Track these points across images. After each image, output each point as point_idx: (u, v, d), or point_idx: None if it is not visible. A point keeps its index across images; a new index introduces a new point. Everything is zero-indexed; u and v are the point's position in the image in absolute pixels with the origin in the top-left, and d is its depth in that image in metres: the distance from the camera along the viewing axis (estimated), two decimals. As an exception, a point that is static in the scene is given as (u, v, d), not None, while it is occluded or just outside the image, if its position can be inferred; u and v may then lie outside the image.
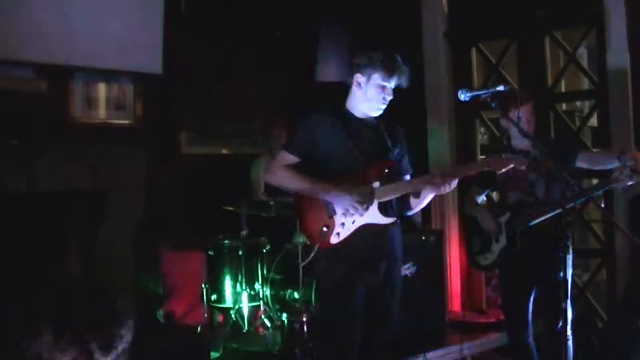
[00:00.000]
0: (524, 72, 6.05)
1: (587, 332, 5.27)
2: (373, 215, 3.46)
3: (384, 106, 3.59)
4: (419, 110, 6.34)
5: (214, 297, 5.15)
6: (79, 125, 5.19)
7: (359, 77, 3.55)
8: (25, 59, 4.70)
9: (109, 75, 5.33)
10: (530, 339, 4.46)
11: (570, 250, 4.13)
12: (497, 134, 6.18)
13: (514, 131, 4.32)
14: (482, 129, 6.55)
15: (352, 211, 3.41)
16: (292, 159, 3.51)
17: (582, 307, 5.66)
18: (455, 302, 6.20)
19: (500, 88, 3.50)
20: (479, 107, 6.05)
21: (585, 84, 6.24)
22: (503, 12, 6.03)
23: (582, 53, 6.22)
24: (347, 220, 3.45)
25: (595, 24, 5.57)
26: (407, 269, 5.12)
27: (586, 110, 6.37)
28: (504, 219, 4.39)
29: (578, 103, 7.03)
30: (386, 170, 3.52)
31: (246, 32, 5.99)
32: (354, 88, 3.58)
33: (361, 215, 3.43)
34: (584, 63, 6.14)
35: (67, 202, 4.95)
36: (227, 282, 5.13)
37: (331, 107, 3.65)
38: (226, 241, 5.13)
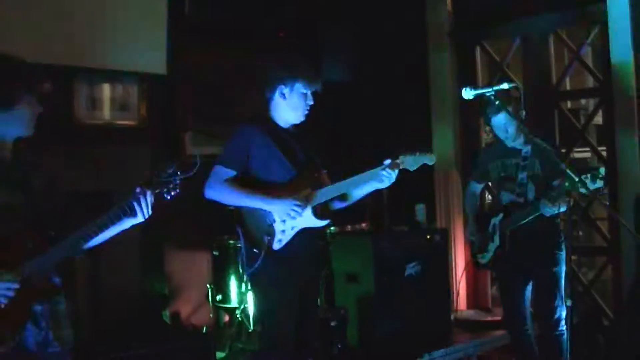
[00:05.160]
0: (528, 71, 6.05)
1: (593, 330, 5.27)
2: (309, 220, 3.60)
3: (306, 112, 3.72)
4: (423, 109, 6.34)
5: (219, 297, 5.16)
6: (83, 126, 5.19)
7: (282, 88, 3.66)
8: (30, 59, 4.70)
9: (114, 76, 5.33)
10: (530, 335, 4.48)
11: (564, 247, 4.20)
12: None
13: (507, 131, 4.34)
14: (487, 128, 6.53)
15: (290, 217, 3.56)
16: (229, 173, 3.58)
17: (588, 305, 5.66)
18: (461, 301, 6.20)
19: (505, 86, 3.51)
20: (483, 105, 6.03)
21: (590, 82, 6.23)
22: (507, 10, 6.02)
23: (587, 51, 6.21)
24: (287, 227, 3.59)
25: (599, 22, 5.56)
26: (412, 268, 5.12)
27: (591, 108, 6.36)
28: (497, 219, 4.42)
29: (583, 101, 7.02)
30: (316, 176, 3.69)
31: (249, 33, 5.99)
32: (278, 99, 3.68)
33: (299, 220, 3.57)
34: (589, 61, 6.13)
35: (70, 203, 4.95)
36: (233, 282, 5.14)
37: (260, 119, 3.73)
38: (231, 241, 5.13)
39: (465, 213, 4.81)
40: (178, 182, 2.81)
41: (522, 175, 4.31)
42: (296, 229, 3.59)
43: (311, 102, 3.69)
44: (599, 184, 3.76)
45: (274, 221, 3.59)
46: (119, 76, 5.35)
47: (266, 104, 3.75)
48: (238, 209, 3.65)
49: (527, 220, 4.23)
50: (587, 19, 5.71)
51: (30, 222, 2.74)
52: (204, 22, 5.79)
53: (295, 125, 3.77)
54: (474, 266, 4.91)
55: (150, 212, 2.78)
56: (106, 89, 5.35)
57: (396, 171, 3.52)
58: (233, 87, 6.00)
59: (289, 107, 3.68)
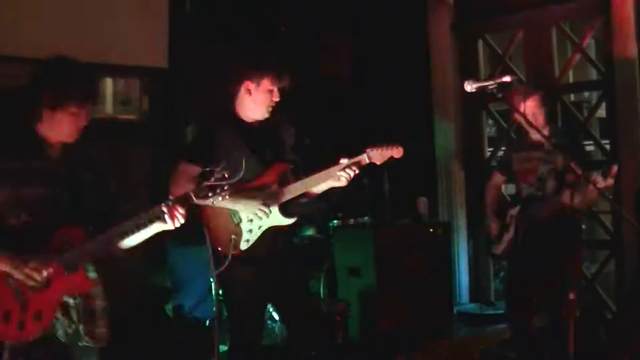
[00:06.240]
0: (531, 64, 6.03)
1: (595, 323, 5.27)
2: (276, 219, 3.58)
3: (270, 109, 3.66)
4: (425, 103, 6.33)
5: (222, 290, 5.15)
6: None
7: (248, 84, 3.60)
8: (31, 55, 4.70)
9: (115, 71, 5.33)
10: (533, 329, 4.48)
11: (580, 244, 4.15)
12: (505, 126, 6.17)
13: (536, 119, 4.32)
14: (490, 121, 6.53)
15: (258, 216, 3.53)
16: (194, 169, 3.45)
17: (590, 298, 5.66)
18: (463, 295, 6.20)
19: (506, 79, 3.50)
20: (485, 98, 6.02)
21: (593, 75, 6.21)
22: (509, 3, 6.01)
23: (590, 44, 6.19)
24: (254, 226, 3.56)
25: (602, 14, 5.54)
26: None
27: (594, 101, 6.34)
28: (514, 211, 4.41)
29: (586, 94, 7.00)
30: (282, 172, 3.64)
31: (250, 28, 5.98)
32: (243, 95, 3.62)
33: (266, 219, 3.54)
34: (592, 54, 6.11)
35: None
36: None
37: (224, 115, 3.69)
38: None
39: (483, 205, 4.77)
40: (226, 188, 2.82)
41: (543, 169, 4.30)
42: (263, 228, 3.56)
43: (277, 99, 3.63)
44: (610, 181, 3.76)
45: (241, 221, 3.56)
46: (120, 71, 5.35)
47: (230, 98, 3.68)
48: (203, 209, 3.54)
49: (543, 213, 4.19)
50: (590, 11, 5.69)
51: (70, 216, 2.79)
52: (205, 17, 5.78)
53: (260, 121, 3.70)
54: (489, 256, 4.93)
55: (182, 221, 2.81)
56: (108, 84, 5.35)
57: (355, 170, 3.54)
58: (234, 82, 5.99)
59: (254, 103, 3.61)
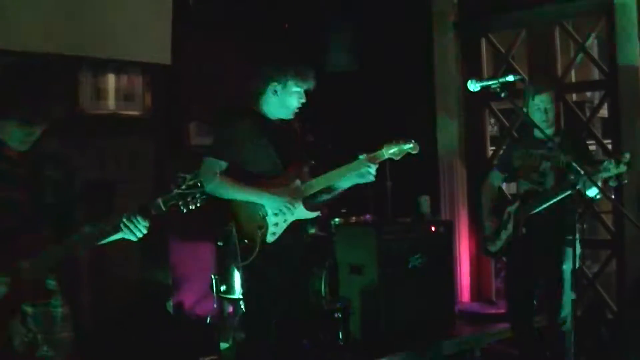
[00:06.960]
0: (534, 63, 6.02)
1: (596, 323, 5.27)
2: (301, 212, 3.64)
3: (297, 111, 3.73)
4: (428, 101, 6.33)
5: (223, 287, 5.16)
6: (88, 116, 5.19)
7: (275, 85, 3.65)
8: (34, 49, 4.70)
9: (118, 66, 5.33)
10: (534, 328, 4.48)
11: (578, 245, 4.11)
12: (507, 124, 6.16)
13: (547, 114, 4.31)
14: (492, 120, 6.52)
15: (284, 210, 3.58)
16: (220, 164, 3.57)
17: (592, 298, 5.65)
18: (464, 293, 6.20)
19: (510, 78, 3.50)
20: (488, 97, 6.02)
21: (596, 75, 6.20)
22: (512, 1, 6.00)
23: (593, 43, 6.18)
24: (279, 220, 3.62)
25: (605, 13, 5.53)
26: (415, 260, 5.12)
27: (596, 101, 6.33)
28: (512, 207, 4.41)
29: (588, 94, 6.99)
30: (304, 169, 3.72)
31: (254, 24, 5.97)
32: (270, 95, 3.67)
33: (292, 213, 3.60)
34: (594, 53, 6.10)
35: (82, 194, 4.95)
36: (237, 273, 5.13)
37: (249, 111, 3.72)
38: (235, 232, 5.12)
39: (482, 204, 4.76)
40: (198, 196, 2.72)
41: (545, 165, 4.29)
42: (288, 222, 3.62)
43: (303, 100, 3.68)
44: (622, 168, 3.77)
45: (267, 214, 3.61)
46: (123, 66, 5.35)
47: (257, 97, 3.72)
48: (230, 202, 3.65)
49: (553, 200, 4.15)
50: (593, 10, 5.68)
51: (31, 219, 2.67)
52: (208, 13, 5.78)
53: (282, 119, 3.76)
54: (482, 253, 4.91)
55: (144, 232, 2.72)
56: (111, 79, 5.35)
57: (376, 165, 3.61)
58: (237, 77, 5.98)
59: (280, 104, 3.67)
